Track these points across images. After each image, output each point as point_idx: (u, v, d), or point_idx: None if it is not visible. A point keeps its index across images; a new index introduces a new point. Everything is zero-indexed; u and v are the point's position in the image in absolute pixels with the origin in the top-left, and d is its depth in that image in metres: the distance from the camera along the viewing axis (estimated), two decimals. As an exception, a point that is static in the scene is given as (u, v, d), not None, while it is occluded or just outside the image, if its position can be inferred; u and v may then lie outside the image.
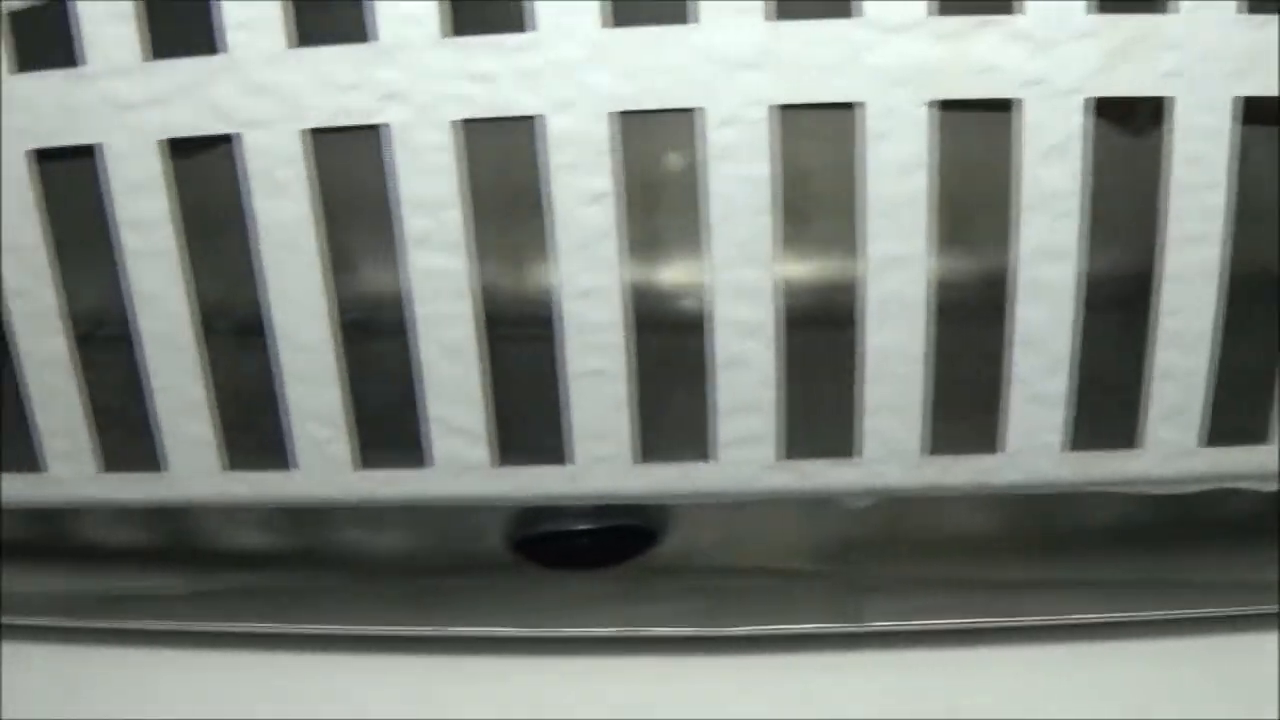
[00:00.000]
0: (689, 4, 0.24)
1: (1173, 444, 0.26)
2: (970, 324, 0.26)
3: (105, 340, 0.27)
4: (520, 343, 0.26)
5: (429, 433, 0.27)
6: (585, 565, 0.29)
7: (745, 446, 0.26)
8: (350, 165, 0.26)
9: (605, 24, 0.24)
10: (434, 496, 0.27)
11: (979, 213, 0.26)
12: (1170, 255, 0.25)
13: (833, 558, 0.29)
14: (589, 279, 0.25)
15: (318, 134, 0.25)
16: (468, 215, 0.25)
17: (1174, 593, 0.27)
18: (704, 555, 0.29)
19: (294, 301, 0.26)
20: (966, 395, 0.26)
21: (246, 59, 0.25)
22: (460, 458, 0.27)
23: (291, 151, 0.25)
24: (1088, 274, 0.25)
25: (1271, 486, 0.26)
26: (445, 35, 0.24)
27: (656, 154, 0.29)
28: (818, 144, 0.27)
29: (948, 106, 0.24)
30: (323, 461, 0.27)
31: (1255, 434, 0.26)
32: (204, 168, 0.27)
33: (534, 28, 0.24)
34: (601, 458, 0.26)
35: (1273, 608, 0.27)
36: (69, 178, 0.27)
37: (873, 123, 0.24)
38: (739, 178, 0.25)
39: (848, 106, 0.24)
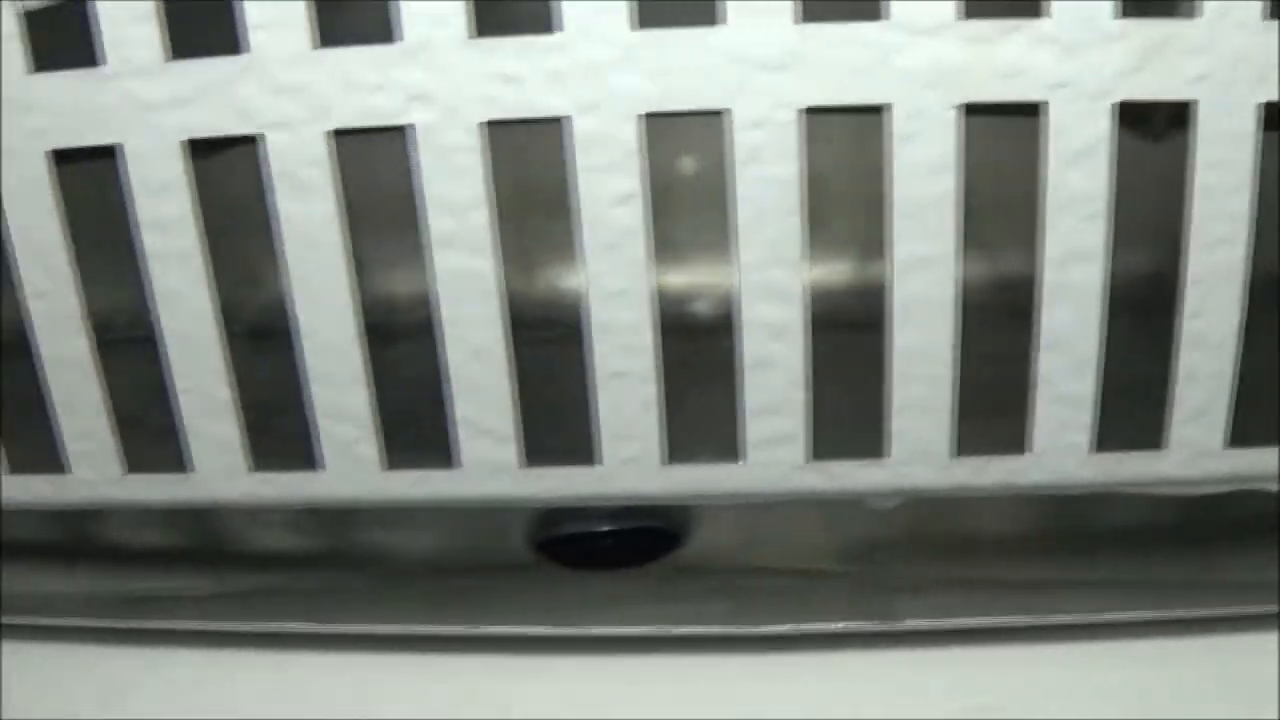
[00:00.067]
0: (717, 5, 0.24)
1: (1197, 445, 0.26)
2: (996, 325, 0.26)
3: (128, 341, 0.27)
4: (546, 344, 0.26)
5: (456, 434, 0.27)
6: (608, 566, 0.29)
7: (774, 447, 0.26)
8: (374, 166, 0.26)
9: (633, 25, 0.24)
10: (461, 497, 0.27)
11: (1005, 215, 0.26)
12: (1193, 258, 0.25)
13: (857, 558, 0.29)
14: (616, 280, 0.25)
15: (341, 135, 0.25)
16: (493, 216, 0.25)
17: (1190, 592, 0.28)
18: (728, 556, 0.29)
19: (319, 302, 0.26)
20: (993, 396, 0.26)
21: (270, 59, 0.25)
22: (487, 459, 0.27)
23: (316, 152, 0.25)
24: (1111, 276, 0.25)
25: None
26: (472, 36, 0.24)
27: (676, 156, 0.29)
28: (839, 146, 0.27)
29: (974, 109, 0.24)
30: (349, 462, 0.27)
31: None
32: (222, 168, 0.26)
33: (561, 29, 0.24)
34: (629, 459, 0.26)
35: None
36: (87, 178, 0.27)
37: (900, 125, 0.24)
38: (767, 179, 0.25)
39: (874, 109, 0.24)
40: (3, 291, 0.27)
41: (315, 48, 0.25)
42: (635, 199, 0.25)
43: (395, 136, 0.25)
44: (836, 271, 0.28)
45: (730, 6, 0.24)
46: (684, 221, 0.28)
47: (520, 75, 0.24)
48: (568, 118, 0.25)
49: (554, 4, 0.24)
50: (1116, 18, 0.23)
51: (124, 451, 0.28)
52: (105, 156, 0.26)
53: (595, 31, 0.24)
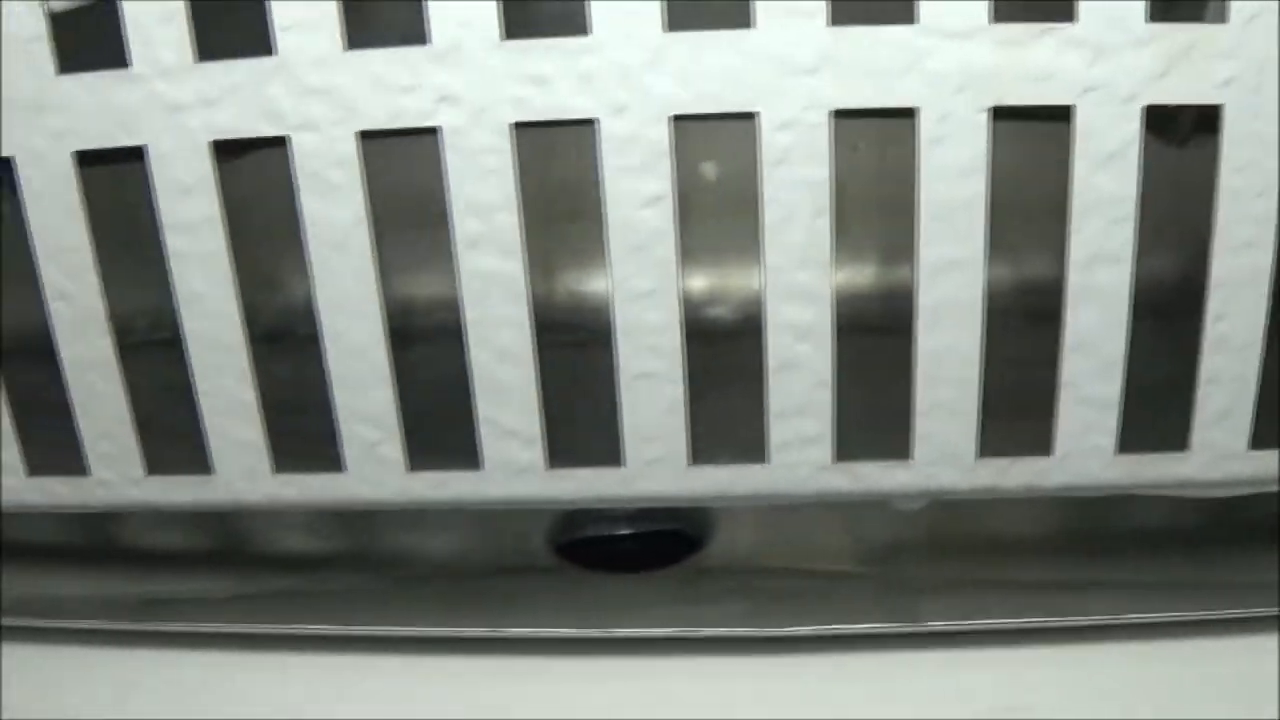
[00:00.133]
0: (749, 8, 0.24)
1: (1221, 447, 0.26)
2: (1021, 327, 0.26)
3: (150, 343, 0.27)
4: (571, 345, 0.26)
5: (480, 435, 0.27)
6: (629, 569, 0.29)
7: (799, 449, 0.26)
8: (399, 167, 0.26)
9: (663, 27, 0.24)
10: (485, 499, 0.27)
11: (1030, 218, 0.26)
12: (1218, 261, 0.25)
13: (880, 559, 0.29)
14: (644, 281, 0.25)
15: (368, 136, 0.25)
16: (521, 218, 0.25)
17: (1215, 593, 0.28)
18: (749, 558, 0.29)
19: (344, 303, 0.26)
20: (1018, 398, 0.26)
21: (298, 61, 0.25)
22: (512, 460, 0.27)
23: (344, 153, 0.25)
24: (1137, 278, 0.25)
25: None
26: (501, 38, 0.24)
27: (699, 159, 0.29)
28: (863, 153, 0.27)
29: (1003, 112, 0.24)
30: (373, 464, 0.27)
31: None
32: (245, 169, 0.26)
33: (590, 31, 0.24)
34: (654, 460, 0.26)
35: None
36: (109, 180, 0.26)
37: (930, 127, 0.24)
38: (796, 181, 0.25)
39: (899, 114, 0.24)
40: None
41: (344, 49, 0.25)
42: (664, 201, 0.25)
43: (421, 138, 0.25)
44: (862, 274, 0.28)
45: (761, 9, 0.24)
46: (709, 224, 0.28)
47: (549, 77, 0.24)
48: (597, 120, 0.25)
49: (584, 5, 0.24)
50: (1146, 22, 0.23)
51: (145, 453, 0.28)
52: (128, 158, 0.26)
53: (626, 33, 0.24)
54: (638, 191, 0.25)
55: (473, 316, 0.26)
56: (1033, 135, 0.24)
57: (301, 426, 0.27)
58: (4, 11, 0.25)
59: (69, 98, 0.25)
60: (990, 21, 0.23)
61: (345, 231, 0.26)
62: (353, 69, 0.25)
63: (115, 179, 0.26)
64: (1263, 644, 0.27)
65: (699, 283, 0.29)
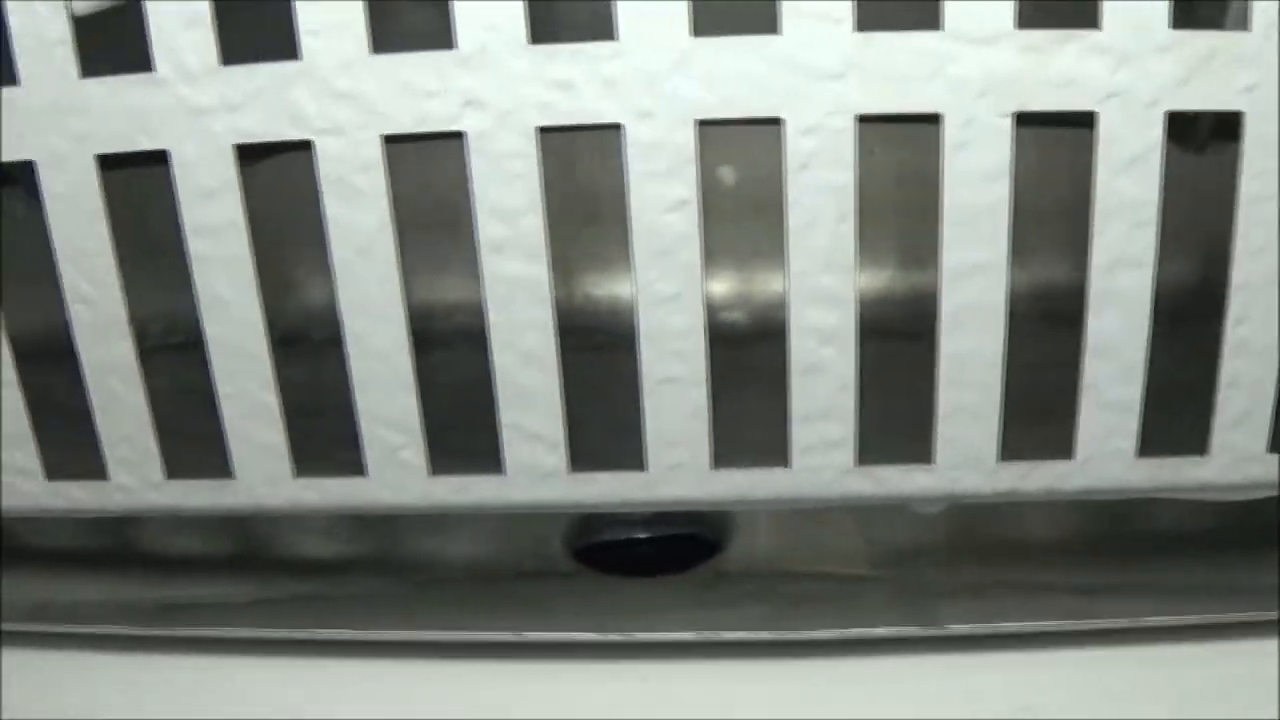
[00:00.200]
0: (775, 12, 0.24)
1: (1241, 450, 0.26)
2: (1042, 331, 0.26)
3: (170, 347, 0.27)
4: (594, 349, 0.26)
5: (503, 439, 0.27)
6: (648, 573, 0.29)
7: (822, 453, 0.26)
8: (421, 171, 0.26)
9: (689, 32, 0.24)
10: (507, 504, 0.27)
11: (1050, 221, 0.26)
12: (1238, 265, 0.25)
13: (898, 563, 0.29)
14: (668, 286, 0.25)
15: (393, 141, 0.25)
16: (546, 223, 0.25)
17: (1236, 596, 0.28)
18: (769, 562, 0.29)
19: (367, 308, 0.26)
20: (1039, 402, 0.26)
21: (324, 65, 0.25)
22: (535, 464, 0.27)
23: (369, 158, 0.25)
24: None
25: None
26: (527, 42, 0.24)
27: (719, 163, 0.29)
28: (880, 158, 0.27)
29: (1025, 118, 0.24)
30: (395, 468, 0.27)
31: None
32: (266, 173, 0.26)
33: (616, 36, 0.24)
34: (676, 464, 0.27)
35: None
36: (129, 183, 0.26)
37: (954, 132, 0.24)
38: (820, 186, 0.25)
39: (920, 119, 0.25)
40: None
41: (369, 53, 0.25)
42: (689, 205, 0.25)
43: (445, 142, 0.25)
44: (880, 277, 0.29)
45: (787, 14, 0.24)
46: (732, 227, 0.28)
47: (575, 81, 0.24)
48: (622, 124, 0.25)
49: (611, 9, 0.24)
50: (1170, 28, 0.24)
51: (165, 457, 0.27)
52: (150, 162, 0.26)
53: (651, 38, 0.24)
54: (663, 196, 0.25)
55: (496, 321, 0.26)
56: (1050, 139, 0.25)
57: (323, 430, 0.27)
58: (27, 14, 0.25)
59: (91, 101, 0.25)
60: (1015, 28, 0.24)
61: (369, 236, 0.26)
62: (378, 73, 0.25)
63: (137, 182, 0.26)
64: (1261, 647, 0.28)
65: (721, 287, 0.29)
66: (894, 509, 0.28)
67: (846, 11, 0.24)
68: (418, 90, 0.25)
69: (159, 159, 0.26)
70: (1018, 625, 0.27)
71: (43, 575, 0.30)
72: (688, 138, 0.25)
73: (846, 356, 0.26)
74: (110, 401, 0.27)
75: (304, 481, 0.27)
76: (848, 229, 0.25)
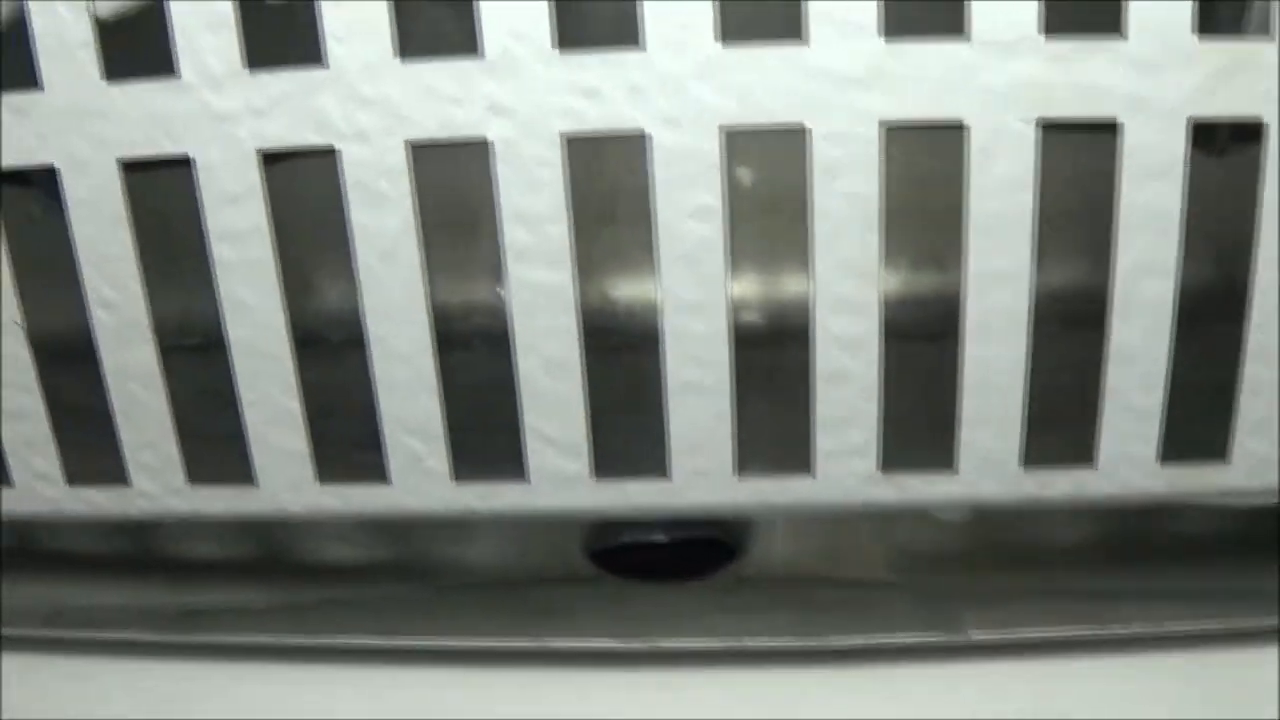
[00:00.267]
0: (802, 20, 0.24)
1: (1262, 456, 0.26)
2: (1064, 338, 0.26)
3: (192, 352, 0.27)
4: (618, 355, 0.26)
5: (527, 446, 0.27)
6: (666, 578, 0.29)
7: (845, 459, 0.26)
8: (444, 176, 0.26)
9: (716, 40, 0.24)
10: (530, 509, 0.27)
11: (1073, 228, 0.26)
12: (1260, 271, 0.25)
13: (921, 570, 0.29)
14: (693, 292, 0.26)
15: (418, 147, 0.25)
16: (571, 229, 0.25)
17: (1258, 602, 0.28)
18: (790, 568, 0.29)
19: (391, 313, 0.26)
20: (1061, 409, 0.26)
21: (349, 71, 0.25)
22: (558, 471, 0.27)
23: (394, 164, 0.25)
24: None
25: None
26: (553, 48, 0.24)
27: (739, 168, 0.29)
28: (898, 164, 0.27)
29: (1050, 126, 0.24)
30: (418, 474, 0.27)
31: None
32: (288, 177, 0.26)
33: (643, 43, 0.24)
34: (700, 471, 0.27)
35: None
36: (151, 187, 0.26)
37: (980, 140, 0.24)
38: (845, 194, 0.25)
39: (944, 126, 0.25)
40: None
41: (395, 59, 0.25)
42: (714, 212, 0.25)
43: (468, 147, 0.25)
44: (906, 284, 0.29)
45: (814, 21, 0.24)
46: (755, 233, 0.28)
47: (601, 89, 0.24)
48: (648, 132, 0.25)
49: (637, 15, 0.24)
50: (1195, 37, 0.24)
51: (187, 463, 0.27)
52: (173, 166, 0.26)
53: (678, 46, 0.24)
54: (688, 203, 0.25)
55: (522, 327, 0.26)
56: (1073, 146, 0.25)
57: (346, 436, 0.27)
58: (50, 16, 0.25)
59: (115, 105, 0.25)
60: (1041, 36, 0.24)
61: (393, 241, 0.26)
62: (403, 79, 0.25)
63: (159, 186, 0.26)
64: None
65: (745, 292, 0.29)
66: (916, 515, 0.28)
67: (873, 19, 0.24)
68: (443, 96, 0.25)
69: (183, 164, 0.26)
70: (1040, 632, 0.27)
71: (62, 580, 0.30)
72: (713, 145, 0.25)
73: (870, 364, 0.26)
74: (132, 406, 0.27)
75: (327, 487, 0.27)
76: (873, 237, 0.25)
